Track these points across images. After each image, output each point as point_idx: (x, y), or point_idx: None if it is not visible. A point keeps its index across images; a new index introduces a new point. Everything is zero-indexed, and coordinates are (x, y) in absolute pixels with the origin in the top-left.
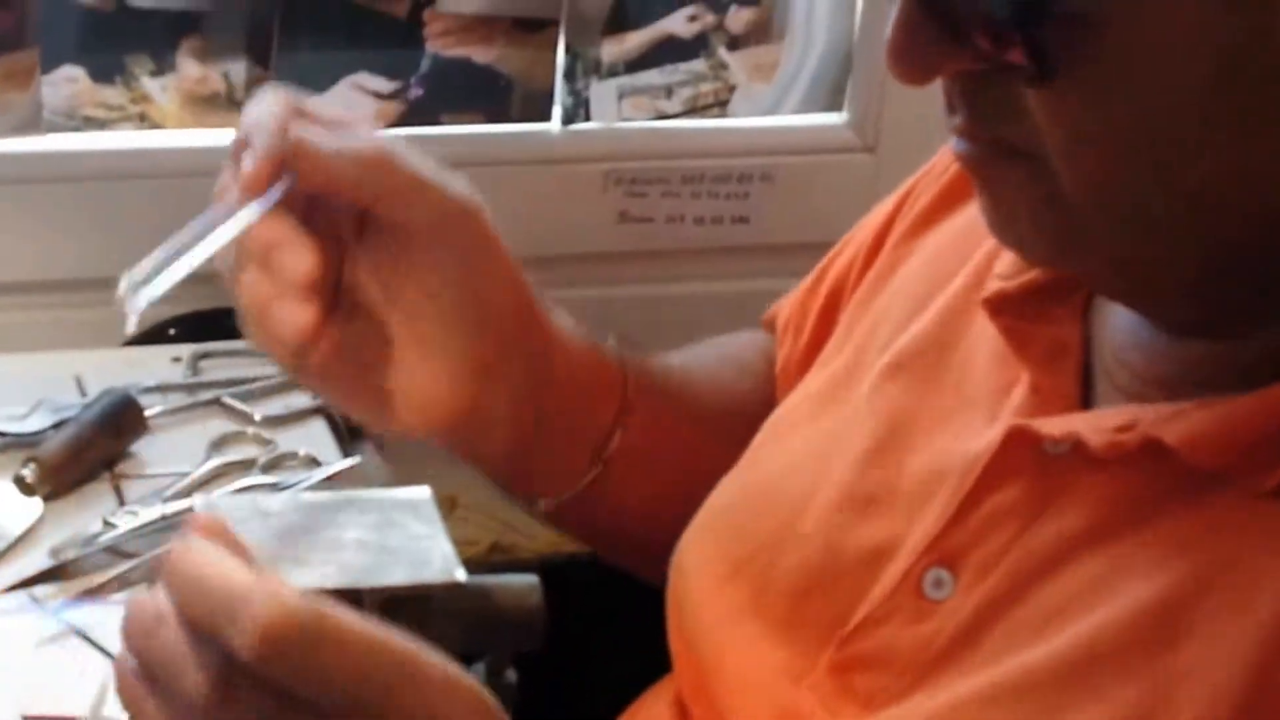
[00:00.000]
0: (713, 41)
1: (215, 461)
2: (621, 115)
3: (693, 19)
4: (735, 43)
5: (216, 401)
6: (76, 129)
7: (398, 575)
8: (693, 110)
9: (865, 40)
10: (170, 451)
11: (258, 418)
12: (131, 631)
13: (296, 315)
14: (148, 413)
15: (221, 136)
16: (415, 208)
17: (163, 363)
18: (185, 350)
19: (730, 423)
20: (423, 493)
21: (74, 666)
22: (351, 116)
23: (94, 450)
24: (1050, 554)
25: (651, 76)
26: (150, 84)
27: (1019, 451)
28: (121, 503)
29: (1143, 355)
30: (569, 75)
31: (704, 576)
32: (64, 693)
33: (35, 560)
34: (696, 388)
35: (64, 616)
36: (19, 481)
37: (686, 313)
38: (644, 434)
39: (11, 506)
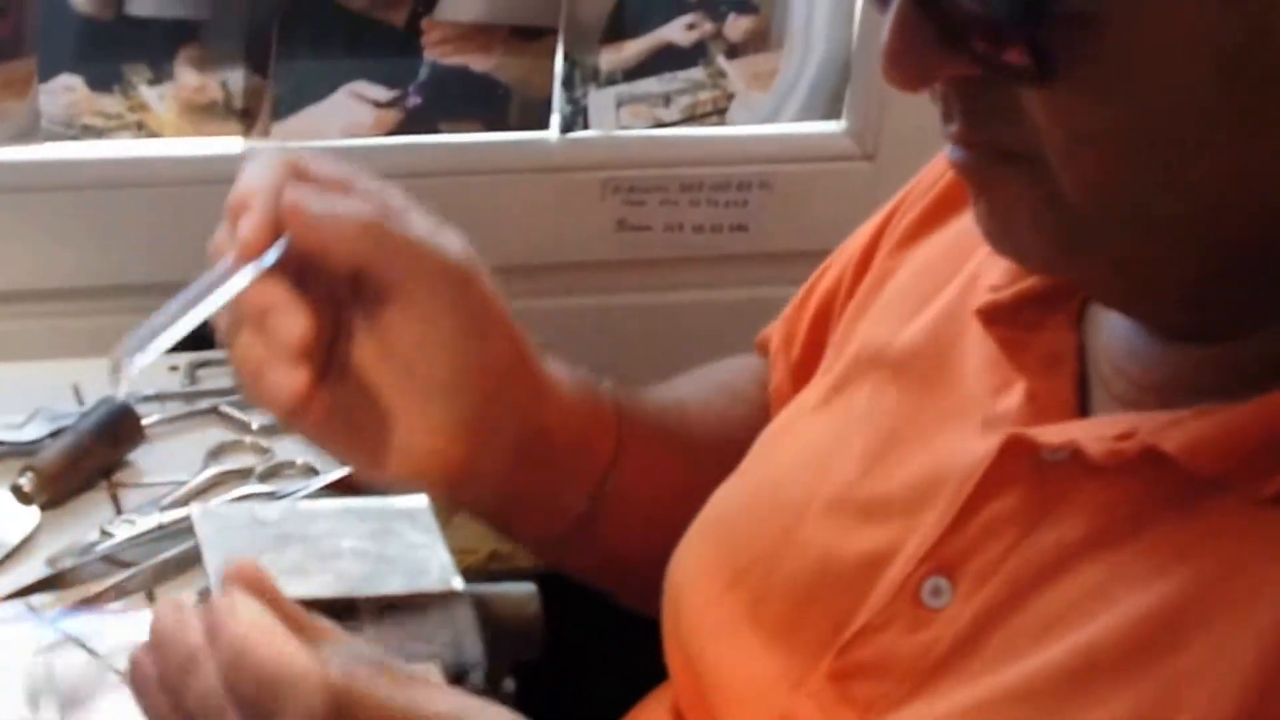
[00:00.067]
0: (711, 50)
1: (212, 470)
2: (620, 123)
3: (691, 27)
4: (734, 51)
5: (214, 410)
6: (74, 138)
7: (395, 584)
8: (691, 118)
9: (864, 48)
10: (167, 460)
11: (255, 426)
12: (167, 663)
13: (289, 379)
14: (145, 421)
15: (220, 145)
16: (410, 271)
17: (160, 371)
18: (182, 359)
19: (725, 451)
20: (420, 501)
21: (70, 676)
22: (350, 174)
23: (91, 459)
24: (1049, 562)
25: (650, 85)
26: (148, 93)
27: (1017, 460)
28: (119, 511)
29: (1138, 362)
30: (567, 83)
31: (700, 586)
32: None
33: (32, 569)
34: (691, 421)
35: (61, 625)
36: (16, 490)
37: (685, 321)
38: (638, 474)
39: (8, 515)
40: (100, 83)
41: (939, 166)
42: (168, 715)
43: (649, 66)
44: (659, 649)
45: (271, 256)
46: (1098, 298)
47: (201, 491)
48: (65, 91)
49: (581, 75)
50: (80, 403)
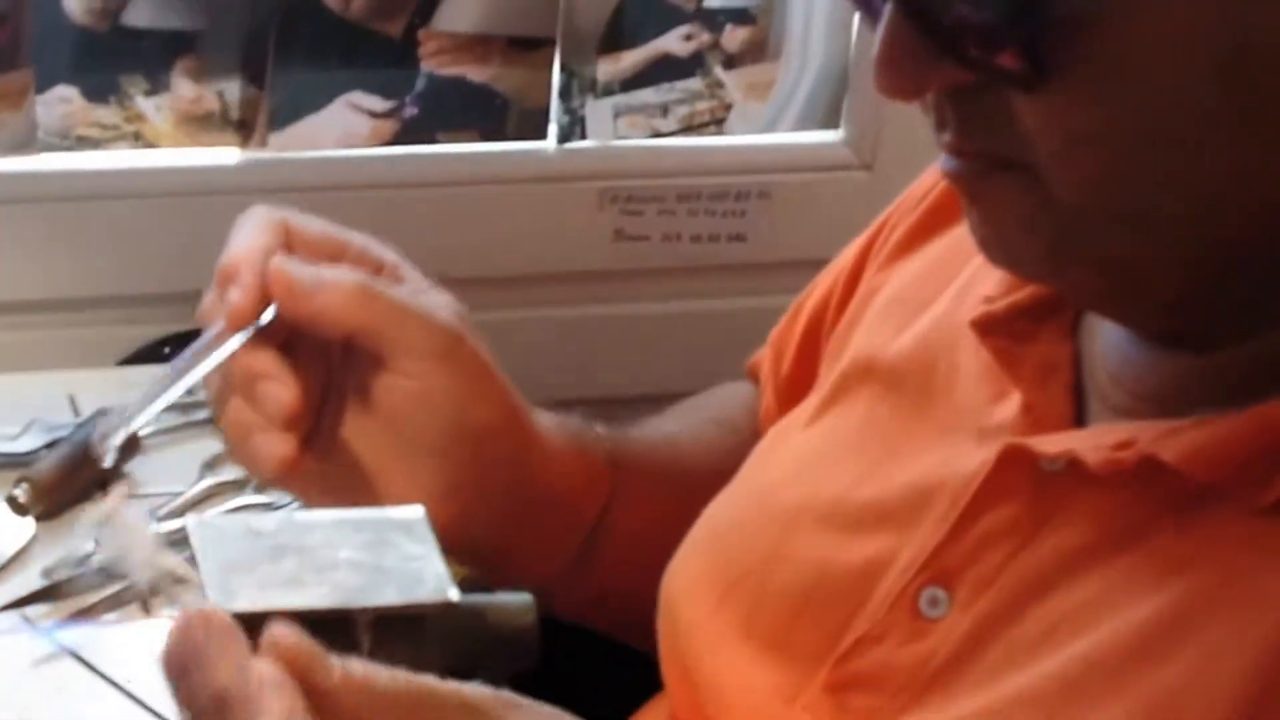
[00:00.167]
0: (709, 60)
1: (208, 481)
2: (617, 134)
3: (688, 38)
4: (731, 61)
5: (209, 421)
6: (71, 149)
7: (390, 595)
8: (689, 128)
9: (862, 58)
10: (163, 471)
11: None
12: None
13: (277, 447)
14: (140, 432)
15: (216, 156)
16: (398, 335)
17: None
18: None
19: (718, 485)
20: (416, 512)
21: (66, 688)
22: (339, 234)
23: (87, 470)
24: (1047, 572)
25: (647, 95)
26: (145, 103)
27: (1014, 470)
28: None
29: (1134, 371)
30: (564, 94)
31: (695, 599)
32: (57, 714)
33: (27, 581)
34: (683, 457)
35: (56, 637)
36: (11, 501)
37: (683, 331)
38: (631, 518)
39: (3, 527)
40: (96, 93)
41: (929, 179)
42: None
43: (646, 77)
44: (655, 660)
45: (261, 321)
46: (1091, 306)
47: (197, 502)
48: (61, 102)
49: (579, 85)
50: (76, 413)
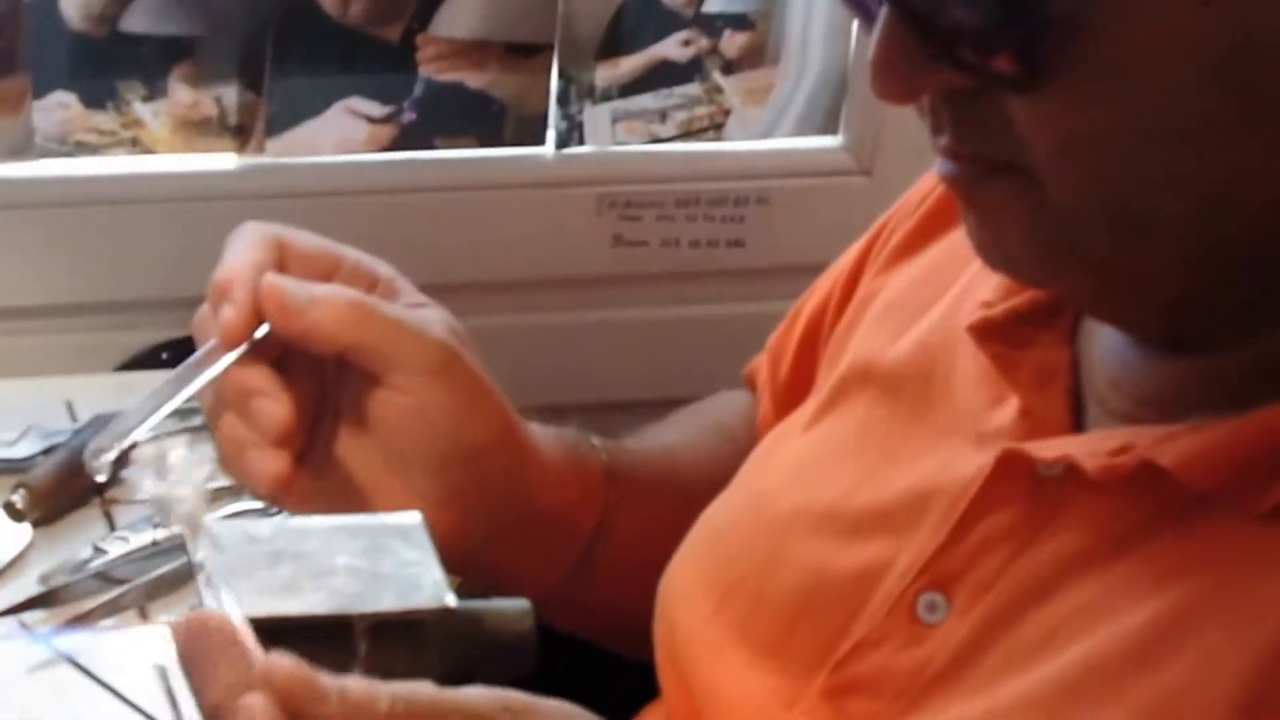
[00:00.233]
0: (707, 65)
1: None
2: (616, 139)
3: (687, 43)
4: (730, 67)
5: (206, 427)
6: (68, 154)
7: (388, 601)
8: (687, 134)
9: (860, 63)
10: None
11: None
12: None
13: (271, 463)
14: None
15: (214, 162)
16: (392, 351)
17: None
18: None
19: (716, 494)
20: (413, 518)
21: (63, 694)
22: (333, 250)
23: (84, 476)
24: (1045, 577)
25: (646, 100)
26: (142, 109)
27: (1012, 475)
28: (112, 528)
29: (1132, 376)
30: (563, 99)
31: (692, 604)
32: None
33: (25, 587)
34: (680, 467)
35: (53, 643)
36: (8, 507)
37: (682, 336)
38: (628, 529)
39: (1, 533)
40: (94, 99)
41: (927, 184)
42: None
43: (645, 82)
44: (652, 666)
45: (255, 338)
46: (1089, 310)
47: None
48: (59, 108)
49: (577, 91)
50: (73, 419)
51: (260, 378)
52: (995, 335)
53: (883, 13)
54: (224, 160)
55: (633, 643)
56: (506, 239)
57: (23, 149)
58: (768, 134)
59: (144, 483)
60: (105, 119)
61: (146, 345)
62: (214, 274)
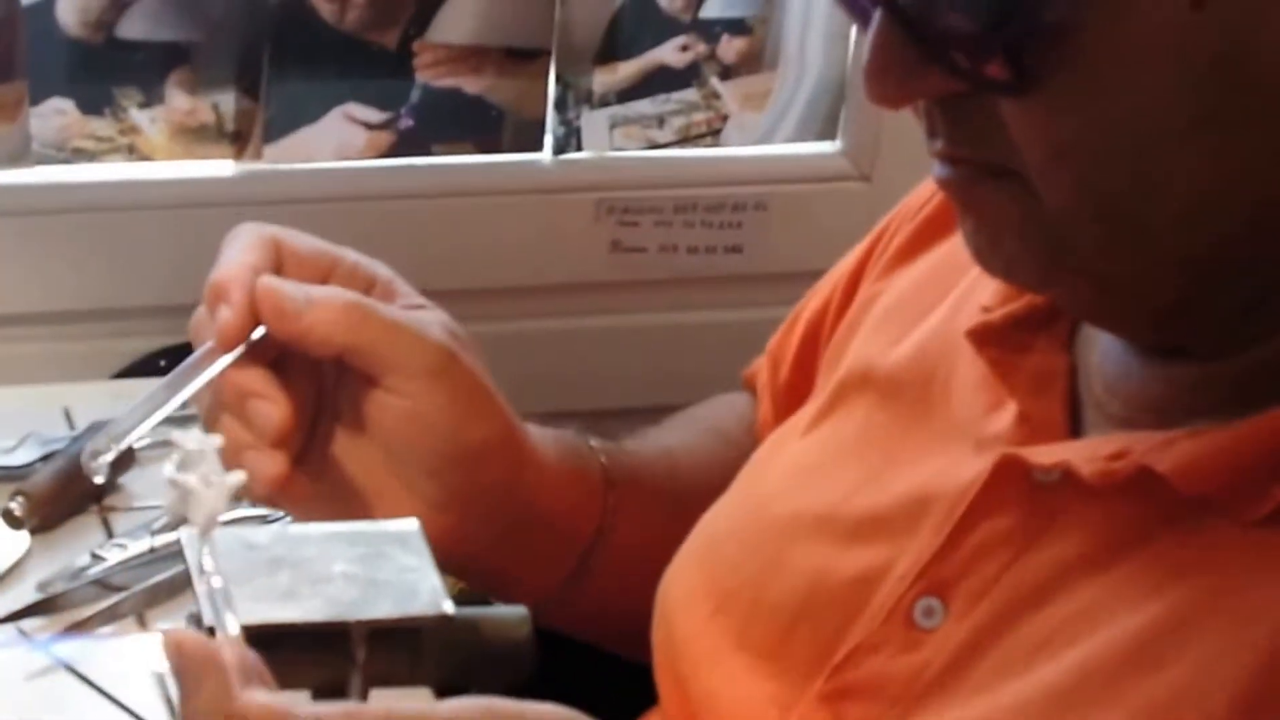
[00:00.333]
0: (705, 71)
1: None
2: (613, 145)
3: (685, 49)
4: (727, 72)
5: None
6: (66, 161)
7: (385, 608)
8: (685, 140)
9: (859, 68)
10: (159, 484)
11: None
12: None
13: (269, 465)
14: (135, 445)
15: (212, 168)
16: (391, 353)
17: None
18: None
19: (715, 497)
20: (411, 525)
21: (62, 701)
22: (330, 251)
23: (81, 483)
24: (1042, 583)
25: (643, 106)
26: (139, 115)
27: (1010, 480)
28: (110, 535)
29: (1130, 382)
30: (560, 105)
31: (690, 609)
32: None
33: (23, 594)
34: (680, 470)
35: (52, 650)
36: (6, 514)
37: (680, 342)
38: (628, 531)
39: None
40: (91, 106)
41: (927, 189)
42: None
43: (642, 88)
44: (650, 671)
45: (252, 340)
46: (1086, 315)
47: None
48: (56, 115)
49: (575, 97)
50: (71, 426)
51: (257, 379)
52: (994, 340)
53: (877, 17)
54: (221, 167)
55: (632, 645)
56: (504, 245)
57: (20, 155)
58: (766, 139)
59: (164, 468)
60: (102, 125)
61: (144, 352)
62: (210, 275)
